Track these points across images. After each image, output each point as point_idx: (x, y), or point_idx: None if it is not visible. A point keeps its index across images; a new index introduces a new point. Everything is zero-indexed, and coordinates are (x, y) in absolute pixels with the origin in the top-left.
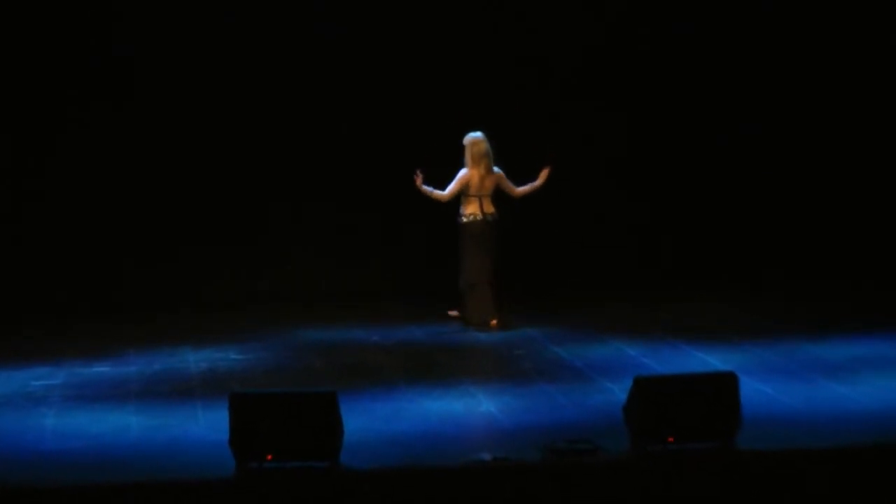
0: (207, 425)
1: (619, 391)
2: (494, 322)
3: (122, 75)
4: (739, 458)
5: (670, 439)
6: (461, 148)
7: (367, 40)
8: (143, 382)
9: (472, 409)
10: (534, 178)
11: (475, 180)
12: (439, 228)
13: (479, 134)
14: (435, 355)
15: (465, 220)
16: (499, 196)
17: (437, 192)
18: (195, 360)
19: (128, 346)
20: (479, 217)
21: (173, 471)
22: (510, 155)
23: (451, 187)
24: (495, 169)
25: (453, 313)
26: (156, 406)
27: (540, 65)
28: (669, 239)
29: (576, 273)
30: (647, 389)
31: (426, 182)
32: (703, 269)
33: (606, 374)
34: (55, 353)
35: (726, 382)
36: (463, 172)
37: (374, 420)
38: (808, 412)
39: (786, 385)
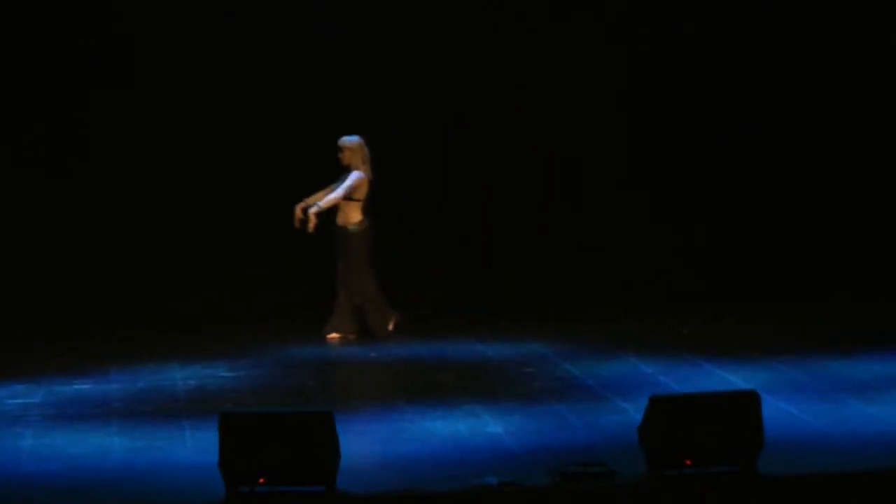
0: (195, 447)
1: (633, 411)
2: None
3: (112, 76)
4: (761, 482)
5: (687, 462)
6: (336, 149)
7: (367, 40)
8: (127, 401)
9: (477, 430)
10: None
11: (366, 185)
12: (442, 240)
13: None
14: (437, 373)
15: (362, 227)
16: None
17: (331, 198)
18: (182, 377)
19: (110, 363)
20: (368, 224)
21: (159, 495)
22: (511, 156)
23: (347, 186)
24: None
25: (333, 336)
26: (140, 426)
27: (540, 65)
28: (690, 250)
29: (589, 286)
30: (664, 409)
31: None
32: (726, 283)
33: (621, 392)
34: (33, 370)
35: (747, 402)
36: (362, 176)
37: (372, 442)
38: (835, 434)
39: (811, 405)
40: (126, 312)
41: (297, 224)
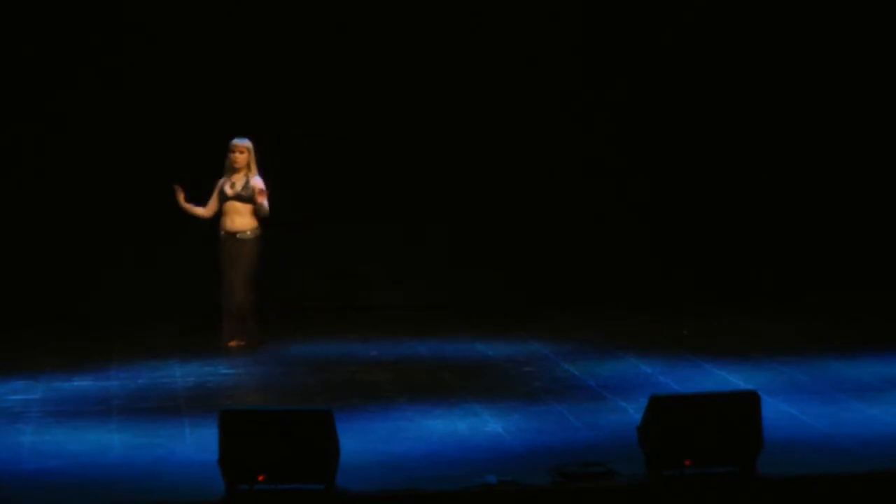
0: (195, 444)
1: (633, 411)
2: None
3: (104, 72)
4: (760, 482)
5: (687, 462)
6: (226, 150)
7: (368, 40)
8: (127, 398)
9: (477, 429)
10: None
11: None
12: (443, 239)
13: None
14: (437, 372)
15: (257, 233)
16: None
17: (261, 202)
18: (182, 374)
19: (110, 360)
20: (262, 230)
21: (158, 492)
22: (512, 154)
23: (264, 195)
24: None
25: (234, 343)
26: (140, 423)
27: (544, 66)
28: (693, 251)
29: (589, 285)
30: (664, 409)
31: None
32: (726, 283)
33: (620, 392)
34: (33, 366)
35: (747, 402)
36: (261, 181)
37: (372, 440)
38: (835, 434)
39: (812, 406)
40: (126, 310)
41: (180, 191)
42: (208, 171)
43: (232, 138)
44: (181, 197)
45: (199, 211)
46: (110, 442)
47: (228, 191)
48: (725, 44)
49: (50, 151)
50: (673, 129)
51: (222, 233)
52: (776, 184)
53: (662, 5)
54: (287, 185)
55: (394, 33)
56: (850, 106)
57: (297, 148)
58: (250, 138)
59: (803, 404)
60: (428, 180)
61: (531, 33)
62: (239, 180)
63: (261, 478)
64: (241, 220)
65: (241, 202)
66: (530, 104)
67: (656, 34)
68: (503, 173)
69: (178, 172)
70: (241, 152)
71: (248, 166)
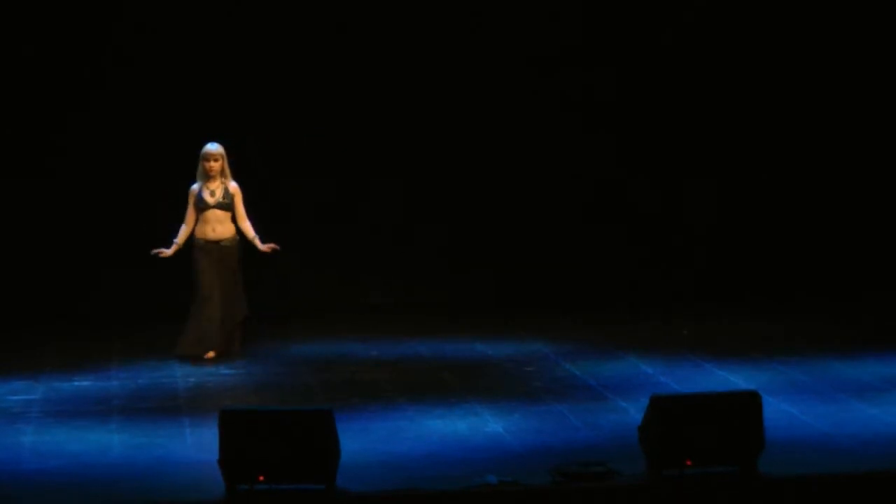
0: (195, 444)
1: (634, 411)
2: None
3: (104, 73)
4: (761, 482)
5: (688, 462)
6: (198, 157)
7: (368, 40)
8: (127, 398)
9: (477, 429)
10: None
11: None
12: (444, 239)
13: None
14: (438, 372)
15: (237, 240)
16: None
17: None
18: (182, 374)
19: (110, 360)
20: (240, 237)
21: (158, 492)
22: (511, 156)
23: (242, 203)
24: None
25: (212, 354)
26: (140, 423)
27: (544, 66)
28: (696, 251)
29: (590, 286)
30: (664, 409)
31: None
32: (727, 283)
33: (621, 392)
34: (33, 367)
35: (748, 402)
36: (236, 185)
37: (372, 440)
38: (835, 435)
39: (812, 406)
40: (126, 310)
41: (160, 251)
42: None
43: (218, 143)
44: (163, 252)
45: (184, 235)
46: (110, 442)
47: (209, 199)
48: (725, 44)
49: (50, 152)
50: (673, 130)
51: (202, 241)
52: (776, 184)
53: (662, 5)
54: (286, 186)
55: (394, 33)
56: (850, 106)
57: (296, 148)
58: (250, 139)
59: (803, 404)
60: (428, 180)
61: (531, 33)
62: (217, 188)
63: (261, 478)
64: (221, 227)
65: (221, 210)
66: (531, 104)
67: (656, 34)
68: (504, 173)
69: (177, 172)
70: (216, 160)
71: (222, 172)
